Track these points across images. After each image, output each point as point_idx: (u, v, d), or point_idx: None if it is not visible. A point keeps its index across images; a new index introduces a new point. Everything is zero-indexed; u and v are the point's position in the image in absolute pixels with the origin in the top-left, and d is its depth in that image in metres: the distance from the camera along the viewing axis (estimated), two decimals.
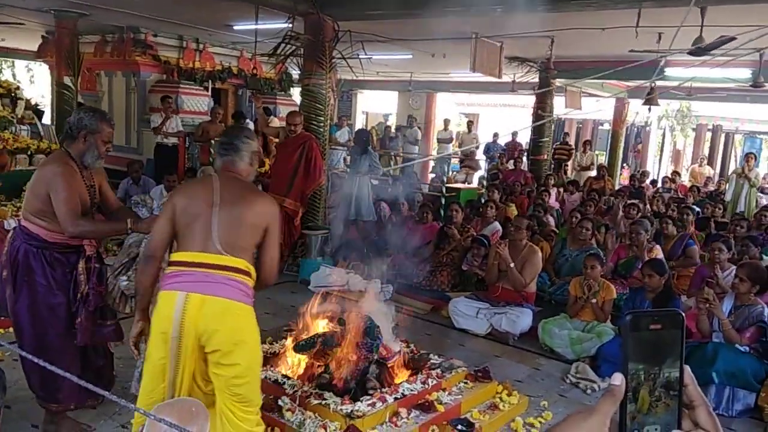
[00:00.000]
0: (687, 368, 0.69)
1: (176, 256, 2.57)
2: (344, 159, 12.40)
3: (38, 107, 7.71)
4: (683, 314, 0.69)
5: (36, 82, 20.41)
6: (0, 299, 3.22)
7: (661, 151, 20.07)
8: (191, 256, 2.51)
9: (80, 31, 9.50)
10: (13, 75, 20.58)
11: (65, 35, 9.01)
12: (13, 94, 6.51)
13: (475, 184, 12.72)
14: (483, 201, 8.51)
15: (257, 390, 2.62)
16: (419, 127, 15.91)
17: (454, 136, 15.77)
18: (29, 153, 6.24)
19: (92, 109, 3.28)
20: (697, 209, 8.74)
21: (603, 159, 16.05)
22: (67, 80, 8.91)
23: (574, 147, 13.11)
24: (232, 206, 2.56)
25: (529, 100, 12.49)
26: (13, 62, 20.28)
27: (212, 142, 9.46)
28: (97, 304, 3.19)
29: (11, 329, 3.98)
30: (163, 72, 10.57)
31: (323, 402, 3.33)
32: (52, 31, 9.85)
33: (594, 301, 4.97)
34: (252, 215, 2.59)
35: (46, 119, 9.41)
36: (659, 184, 12.77)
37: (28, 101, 6.76)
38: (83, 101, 10.10)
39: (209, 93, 10.98)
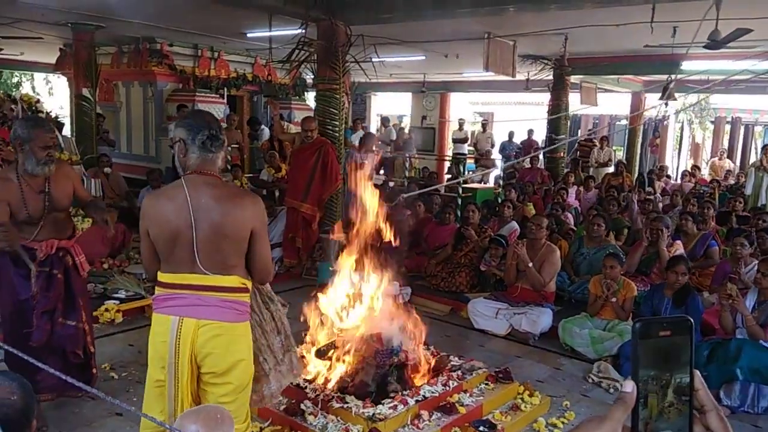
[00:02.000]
0: (697, 373, 0.70)
1: (165, 278, 2.40)
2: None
3: (58, 119, 7.84)
4: (692, 320, 0.70)
5: (55, 94, 20.74)
6: None
7: (680, 145, 19.83)
8: (181, 278, 2.38)
9: (97, 43, 9.64)
10: (33, 88, 20.95)
11: (83, 47, 9.15)
12: (33, 107, 6.62)
13: (491, 183, 12.68)
14: (500, 200, 8.48)
15: (245, 406, 2.55)
16: (395, 127, 16.00)
17: (469, 136, 15.74)
18: None
19: (29, 118, 3.42)
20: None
21: (621, 155, 15.90)
22: (85, 92, 9.05)
23: (598, 144, 13.00)
24: (209, 221, 2.31)
25: (544, 97, 12.42)
26: (32, 75, 20.63)
27: (228, 149, 9.56)
28: (46, 307, 3.29)
29: None
30: (179, 81, 10.69)
31: (345, 405, 3.36)
32: (69, 44, 10.01)
33: (614, 299, 4.93)
34: (233, 226, 2.34)
35: (66, 131, 9.56)
36: (678, 179, 12.63)
37: (48, 114, 6.87)
38: (102, 112, 10.26)
39: (225, 100, 11.08)
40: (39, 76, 20.71)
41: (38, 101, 6.81)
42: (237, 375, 2.44)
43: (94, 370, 3.66)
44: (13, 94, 6.81)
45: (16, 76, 20.71)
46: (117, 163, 9.57)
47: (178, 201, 2.32)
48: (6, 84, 19.52)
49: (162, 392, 2.44)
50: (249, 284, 2.49)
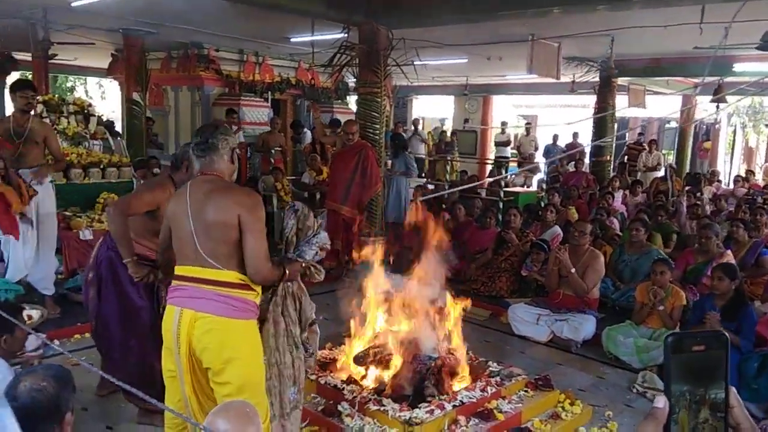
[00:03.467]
0: (733, 389, 0.68)
1: (176, 270, 2.59)
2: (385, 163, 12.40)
3: (111, 123, 8.11)
4: (727, 335, 0.68)
5: (107, 98, 21.45)
6: (83, 302, 3.44)
7: (732, 149, 19.16)
8: (185, 270, 2.53)
9: (147, 49, 9.94)
10: (86, 92, 21.72)
11: (133, 53, 9.45)
12: (86, 111, 6.86)
13: (534, 187, 12.50)
14: (543, 204, 8.36)
15: (259, 407, 2.49)
16: (437, 130, 15.85)
17: (512, 139, 15.57)
18: (102, 167, 6.56)
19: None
20: None
21: (671, 158, 15.46)
22: (136, 96, 9.34)
23: (647, 147, 12.68)
24: (201, 212, 2.48)
25: (590, 99, 12.18)
26: (85, 79, 21.39)
27: (272, 151, 9.70)
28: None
29: (87, 334, 4.23)
30: (225, 85, 10.91)
31: (382, 408, 3.36)
32: (121, 50, 10.34)
33: (662, 307, 4.79)
34: (218, 212, 2.46)
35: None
36: (730, 184, 12.19)
37: (100, 117, 7.11)
38: (151, 116, 10.55)
39: (269, 104, 11.25)
40: (92, 81, 21.46)
41: (90, 105, 7.04)
42: (234, 374, 2.46)
43: None
44: (67, 97, 7.06)
45: (70, 80, 21.51)
46: (166, 165, 9.81)
47: (181, 199, 2.56)
48: (60, 88, 20.29)
49: (175, 382, 2.55)
50: (249, 282, 2.50)
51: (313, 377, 3.69)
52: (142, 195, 3.21)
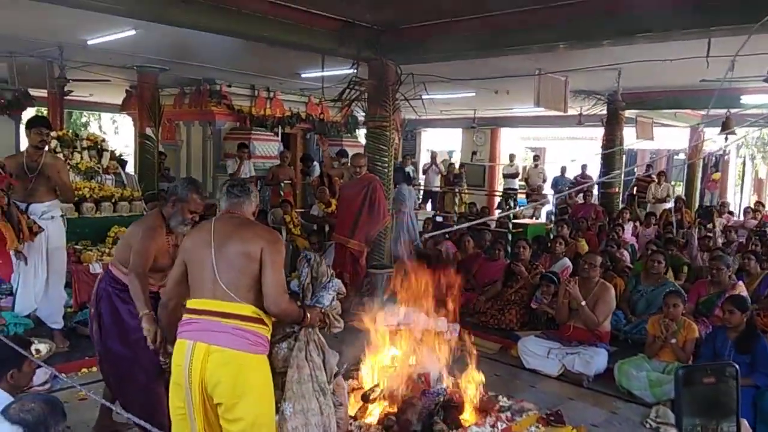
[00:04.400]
0: (744, 422, 0.67)
1: (189, 303, 2.60)
2: None
3: (122, 157, 8.22)
4: (737, 366, 0.68)
5: (120, 133, 21.81)
6: (90, 335, 3.45)
7: (742, 180, 19.10)
8: (200, 304, 2.54)
9: (161, 85, 10.14)
10: (100, 127, 22.09)
11: (147, 89, 9.64)
12: (99, 146, 6.96)
13: (543, 219, 12.48)
14: (552, 236, 8.33)
15: None
16: (445, 162, 16.00)
17: (520, 171, 15.62)
18: (113, 201, 6.63)
19: (191, 180, 3.55)
20: None
21: (680, 190, 15.41)
22: (149, 131, 9.48)
23: (656, 179, 12.68)
24: (225, 243, 2.57)
25: (598, 132, 12.23)
26: (99, 115, 21.78)
27: (281, 185, 9.78)
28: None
29: (95, 368, 4.22)
30: (236, 120, 11.09)
31: None
32: (135, 86, 10.56)
33: (674, 341, 4.72)
34: (242, 244, 2.56)
35: (129, 168, 10.01)
36: (740, 216, 12.11)
37: (112, 152, 7.22)
38: (164, 150, 10.70)
39: (279, 138, 11.40)
40: (106, 116, 21.85)
41: (104, 140, 7.14)
42: (247, 409, 2.44)
43: None
44: (81, 132, 7.17)
45: (85, 116, 21.91)
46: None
47: (204, 231, 2.67)
48: (75, 123, 20.65)
49: (184, 419, 2.50)
50: (264, 316, 2.53)
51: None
52: (148, 249, 3.23)
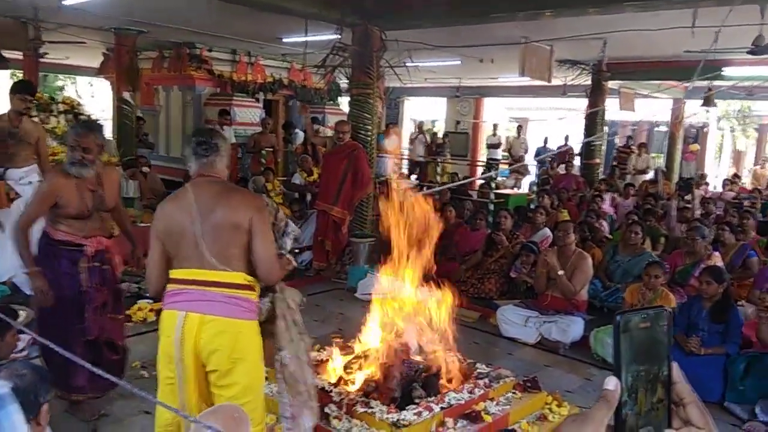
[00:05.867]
0: (675, 365, 0.66)
1: (174, 273, 2.49)
2: None
3: (99, 122, 8.07)
4: (669, 310, 0.67)
5: (97, 98, 21.35)
6: None
7: (721, 152, 19.32)
8: (188, 273, 2.45)
9: (139, 48, 9.90)
10: (76, 91, 21.58)
11: (125, 52, 9.41)
12: (75, 110, 6.83)
13: (524, 189, 12.55)
14: (533, 207, 8.39)
15: (259, 409, 2.56)
16: (428, 132, 15.97)
17: (503, 141, 15.63)
18: None
19: (80, 122, 3.57)
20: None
21: (660, 161, 15.56)
22: (126, 95, 9.29)
23: (636, 150, 12.78)
24: (210, 213, 2.44)
25: (581, 103, 12.25)
26: (75, 79, 21.27)
27: (263, 152, 9.68)
28: (101, 301, 3.38)
29: None
30: (217, 85, 10.89)
31: (369, 410, 3.35)
32: (112, 49, 10.29)
33: None
34: (230, 214, 2.45)
35: (107, 133, 9.83)
36: (719, 188, 12.29)
37: (89, 116, 7.08)
38: (142, 115, 10.50)
39: (261, 104, 11.23)
40: (82, 80, 21.34)
41: (79, 104, 7.00)
42: (242, 374, 2.45)
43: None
44: (56, 96, 7.01)
45: (60, 79, 21.38)
46: (155, 165, 9.79)
47: (184, 201, 2.49)
48: (50, 87, 20.16)
49: (173, 390, 2.48)
50: (255, 284, 2.51)
51: None
52: (32, 203, 3.32)
